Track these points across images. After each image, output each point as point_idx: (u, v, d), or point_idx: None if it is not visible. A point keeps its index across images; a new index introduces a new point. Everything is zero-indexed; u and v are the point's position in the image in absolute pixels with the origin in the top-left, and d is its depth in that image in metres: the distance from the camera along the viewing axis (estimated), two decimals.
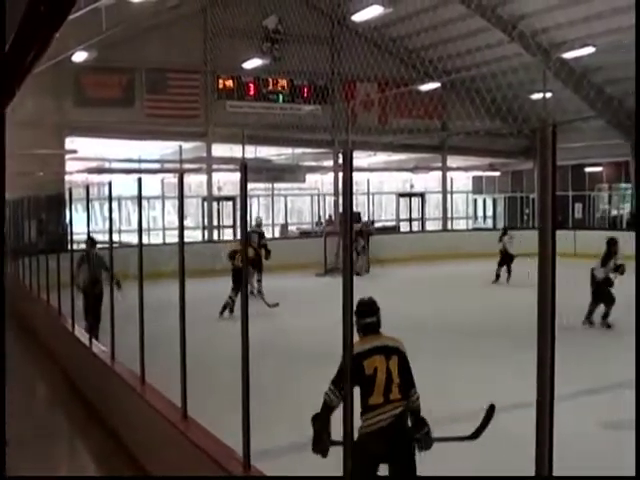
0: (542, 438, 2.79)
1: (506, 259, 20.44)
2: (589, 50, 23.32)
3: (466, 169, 37.44)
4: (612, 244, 13.45)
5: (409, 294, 17.75)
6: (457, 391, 8.90)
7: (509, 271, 20.23)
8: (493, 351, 11.02)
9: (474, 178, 39.60)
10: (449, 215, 34.80)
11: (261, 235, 18.76)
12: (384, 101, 29.92)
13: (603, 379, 9.17)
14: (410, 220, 34.99)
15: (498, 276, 20.56)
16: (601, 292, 13.10)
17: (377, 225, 28.18)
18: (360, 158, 31.11)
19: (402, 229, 33.40)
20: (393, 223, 34.60)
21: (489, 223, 38.42)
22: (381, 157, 33.52)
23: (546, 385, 2.72)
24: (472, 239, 23.75)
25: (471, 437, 5.07)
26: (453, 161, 34.32)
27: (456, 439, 5.16)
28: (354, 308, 3.91)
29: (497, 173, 37.75)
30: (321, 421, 4.80)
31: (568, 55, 25.00)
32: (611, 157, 32.21)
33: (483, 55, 27.15)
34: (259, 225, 21.21)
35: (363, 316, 4.93)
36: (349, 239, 3.92)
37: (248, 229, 6.81)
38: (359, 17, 21.82)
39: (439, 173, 34.08)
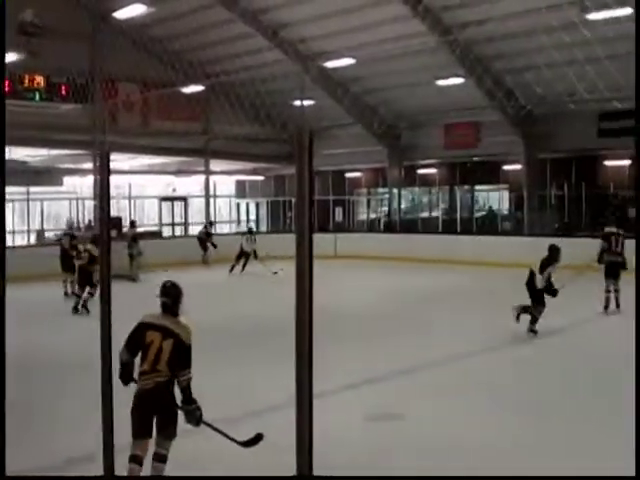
0: (302, 436, 2.79)
1: (241, 255, 23.05)
2: (349, 61, 24.23)
3: (230, 173, 37.68)
4: (555, 251, 12.49)
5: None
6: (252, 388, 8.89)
7: (244, 265, 22.90)
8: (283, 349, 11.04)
9: (237, 182, 39.97)
10: (212, 219, 34.81)
11: (73, 236, 18.94)
12: (145, 102, 29.39)
13: (368, 373, 9.49)
14: (173, 225, 34.66)
15: (233, 267, 23.01)
16: (537, 297, 12.42)
17: (139, 230, 27.40)
18: (121, 161, 30.32)
19: (165, 234, 32.94)
20: (156, 228, 34.06)
21: (253, 227, 38.90)
22: (143, 160, 32.93)
23: (305, 381, 2.73)
24: (236, 243, 23.84)
25: (241, 443, 5.69)
26: (216, 165, 34.37)
27: (229, 437, 5.68)
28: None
29: (260, 177, 38.35)
30: (123, 366, 5.76)
31: (329, 64, 25.81)
32: (370, 163, 33.69)
33: (246, 60, 27.41)
34: (71, 227, 20.43)
35: (160, 295, 5.82)
36: (106, 243, 3.79)
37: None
38: (121, 14, 21.34)
39: (202, 177, 34.01)
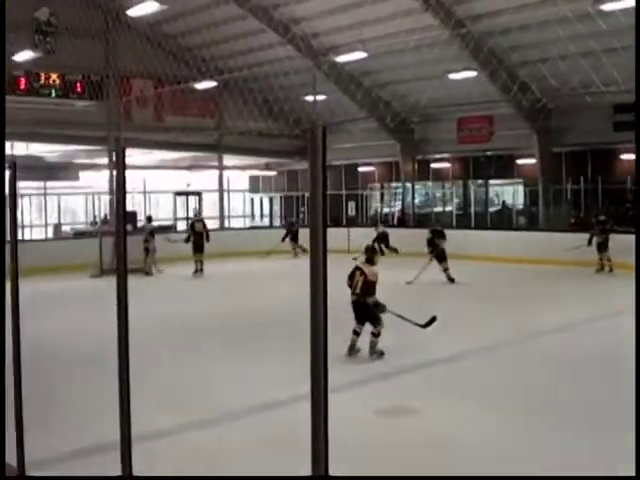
0: (317, 436, 2.82)
1: None
2: (361, 55, 24.14)
3: (243, 168, 37.81)
4: None
5: (197, 293, 17.90)
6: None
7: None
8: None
9: (251, 177, 40.11)
10: (226, 214, 34.96)
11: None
12: (159, 98, 29.56)
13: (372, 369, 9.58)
14: (187, 219, 34.82)
15: None
16: None
17: (154, 224, 27.40)
18: (134, 156, 30.47)
19: (179, 228, 33.04)
20: (170, 222, 34.27)
21: (266, 222, 39.08)
22: (157, 155, 33.07)
23: (320, 381, 2.77)
24: (250, 238, 23.88)
25: (422, 326, 10.18)
26: (230, 160, 34.49)
27: (412, 322, 10.20)
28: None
29: (273, 173, 38.44)
30: None
31: (341, 59, 25.75)
32: (382, 157, 33.62)
33: (258, 56, 27.56)
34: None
35: (364, 253, 11.01)
36: (123, 238, 3.88)
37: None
38: (134, 12, 21.41)
39: (216, 172, 34.13)
